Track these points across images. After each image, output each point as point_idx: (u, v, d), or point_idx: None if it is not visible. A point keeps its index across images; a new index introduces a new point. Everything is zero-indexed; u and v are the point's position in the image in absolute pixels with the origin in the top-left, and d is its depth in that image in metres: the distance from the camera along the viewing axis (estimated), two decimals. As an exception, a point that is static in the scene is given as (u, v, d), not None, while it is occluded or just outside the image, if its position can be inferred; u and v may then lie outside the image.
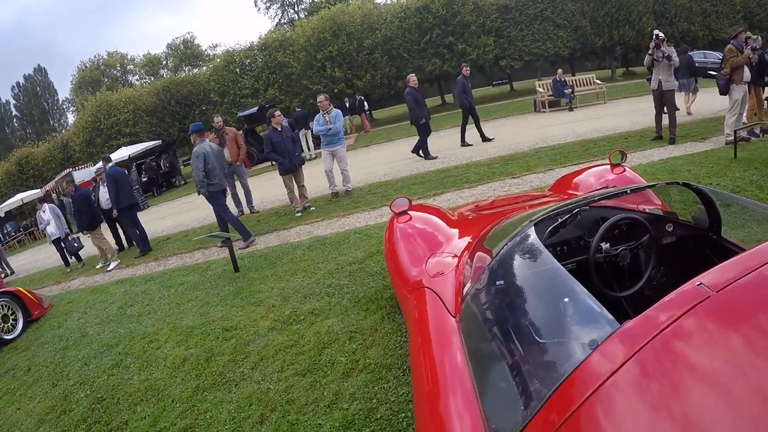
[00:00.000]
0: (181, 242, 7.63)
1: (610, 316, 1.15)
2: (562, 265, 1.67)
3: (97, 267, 7.41)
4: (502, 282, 1.73)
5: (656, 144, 7.42)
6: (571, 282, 1.39)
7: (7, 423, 3.39)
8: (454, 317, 1.89)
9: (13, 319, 5.43)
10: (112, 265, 7.05)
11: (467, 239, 2.54)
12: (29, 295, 5.80)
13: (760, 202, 4.53)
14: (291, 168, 6.83)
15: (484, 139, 10.23)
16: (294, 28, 22.94)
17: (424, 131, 9.47)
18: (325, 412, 2.47)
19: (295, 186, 7.12)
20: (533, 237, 1.70)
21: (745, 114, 7.00)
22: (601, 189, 2.96)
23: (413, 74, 9.92)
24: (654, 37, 7.12)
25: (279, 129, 6.75)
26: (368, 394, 2.52)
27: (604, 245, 1.94)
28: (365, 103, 20.45)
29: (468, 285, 1.93)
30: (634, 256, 2.01)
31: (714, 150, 6.61)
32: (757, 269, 1.02)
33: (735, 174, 5.27)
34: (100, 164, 8.03)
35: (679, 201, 2.43)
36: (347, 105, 19.78)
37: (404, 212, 2.96)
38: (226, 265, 5.34)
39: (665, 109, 7.38)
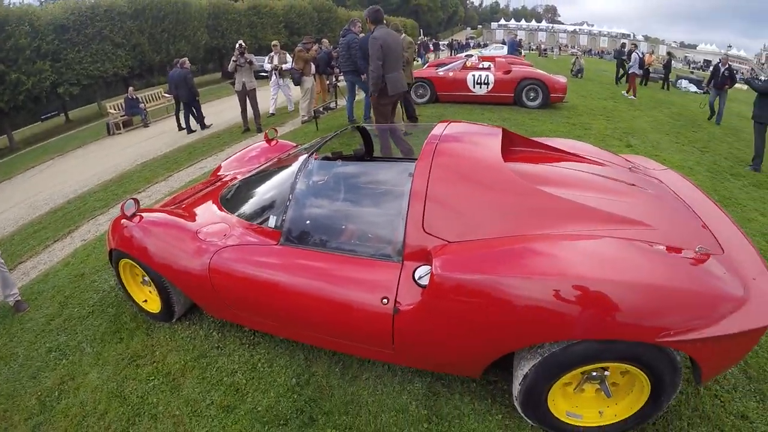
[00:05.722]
0: None
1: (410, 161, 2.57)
2: None
3: None
4: (314, 193, 2.57)
5: (247, 135, 8.63)
6: (369, 165, 2.97)
7: None
8: (276, 244, 2.29)
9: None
10: None
11: (206, 215, 2.83)
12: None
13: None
14: None
15: (204, 126, 10.23)
16: None
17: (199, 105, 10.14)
18: (228, 416, 2.26)
19: None
20: (312, 160, 2.57)
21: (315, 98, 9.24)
22: (275, 156, 3.81)
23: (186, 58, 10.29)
24: (238, 46, 8.24)
25: None
26: (217, 381, 2.48)
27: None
28: None
29: (272, 218, 2.41)
30: None
31: (299, 128, 8.39)
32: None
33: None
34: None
35: (342, 142, 3.67)
36: None
37: (135, 215, 2.94)
38: None
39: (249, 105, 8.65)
